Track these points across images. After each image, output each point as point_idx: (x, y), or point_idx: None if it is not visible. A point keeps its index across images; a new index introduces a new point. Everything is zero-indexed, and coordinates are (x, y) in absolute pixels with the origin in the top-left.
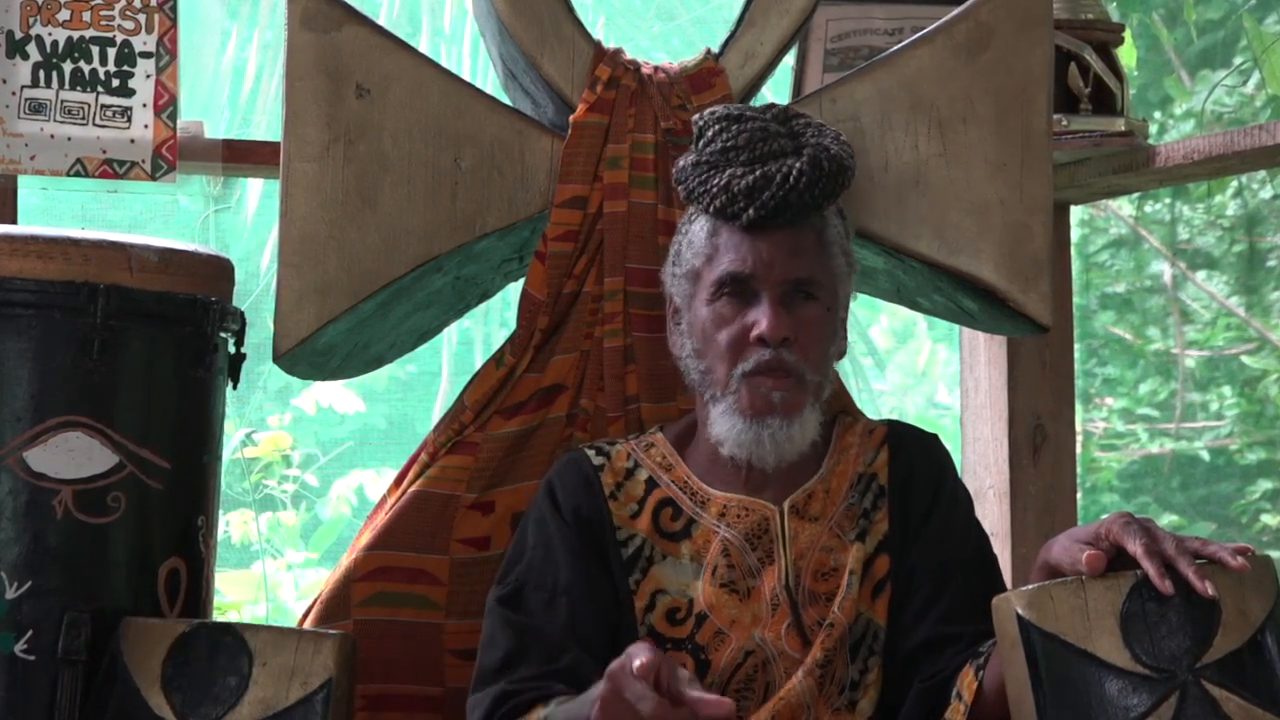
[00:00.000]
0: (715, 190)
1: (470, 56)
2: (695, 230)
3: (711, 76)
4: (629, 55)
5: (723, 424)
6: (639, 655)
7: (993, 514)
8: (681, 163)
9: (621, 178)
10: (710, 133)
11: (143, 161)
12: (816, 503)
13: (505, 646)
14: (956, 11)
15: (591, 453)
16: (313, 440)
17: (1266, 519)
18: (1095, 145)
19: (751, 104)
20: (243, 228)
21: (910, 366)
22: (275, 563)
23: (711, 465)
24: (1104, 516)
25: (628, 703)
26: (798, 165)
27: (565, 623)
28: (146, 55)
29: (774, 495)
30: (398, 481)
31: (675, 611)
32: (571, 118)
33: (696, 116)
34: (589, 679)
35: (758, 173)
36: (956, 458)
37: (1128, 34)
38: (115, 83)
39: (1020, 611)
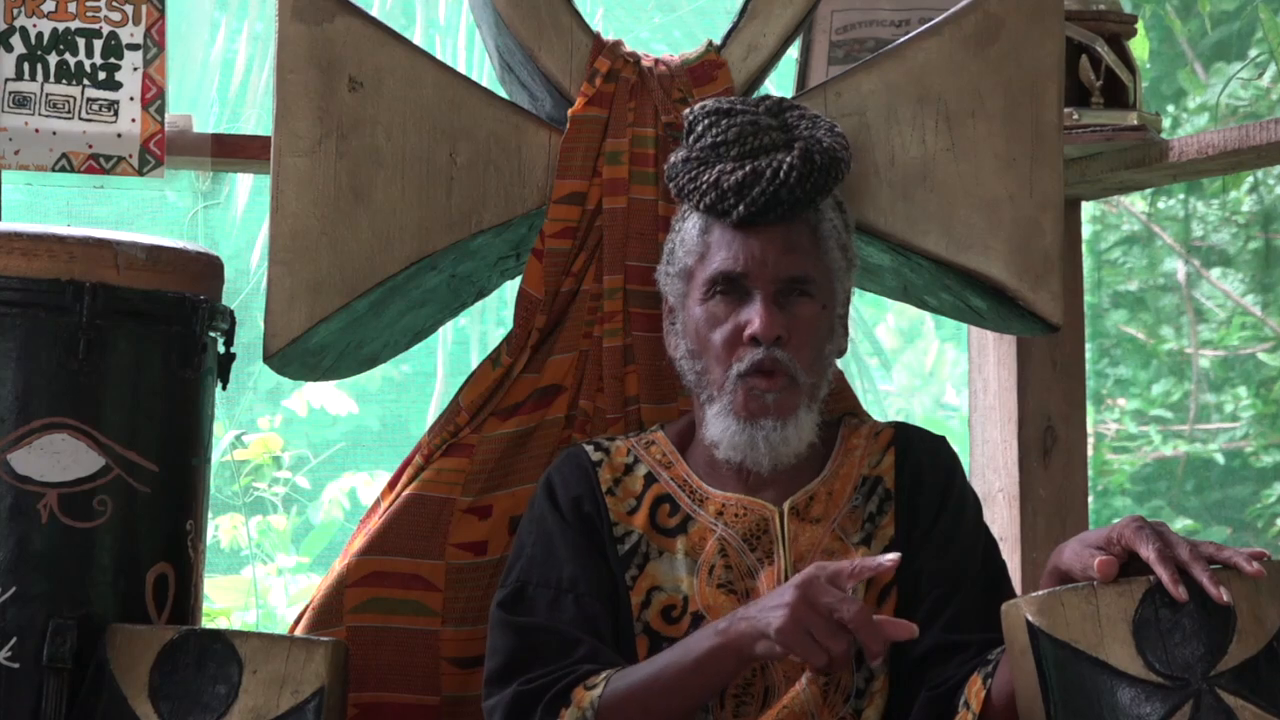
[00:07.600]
0: (705, 187)
1: (466, 49)
2: (687, 228)
3: (713, 69)
4: (629, 47)
5: (717, 426)
6: (832, 565)
7: (1002, 518)
8: (672, 159)
9: (621, 173)
10: (700, 127)
11: (130, 156)
12: (818, 504)
13: (508, 649)
14: (965, 2)
15: (590, 448)
16: (304, 442)
17: None
18: (1107, 140)
19: (748, 96)
20: (232, 224)
21: (917, 366)
22: (265, 568)
23: (711, 465)
24: (1116, 521)
25: (824, 607)
26: (788, 159)
27: (574, 618)
28: (134, 47)
29: (774, 496)
30: (391, 485)
31: (670, 609)
32: (570, 111)
33: (686, 111)
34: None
35: (747, 168)
36: (964, 460)
37: (1140, 26)
38: (101, 76)
39: (1030, 618)
